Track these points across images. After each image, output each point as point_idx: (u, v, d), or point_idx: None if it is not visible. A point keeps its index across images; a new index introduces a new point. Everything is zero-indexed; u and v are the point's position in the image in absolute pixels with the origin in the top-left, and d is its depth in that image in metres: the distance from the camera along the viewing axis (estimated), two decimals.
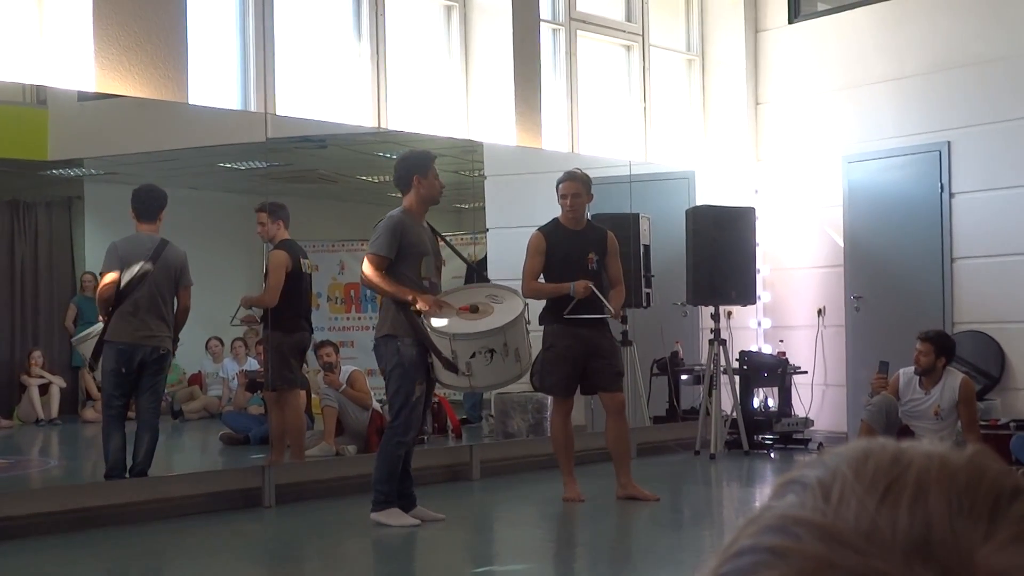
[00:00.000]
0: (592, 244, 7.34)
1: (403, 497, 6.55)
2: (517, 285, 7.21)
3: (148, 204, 7.30)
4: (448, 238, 7.50)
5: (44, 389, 9.30)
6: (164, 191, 7.45)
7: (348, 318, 10.68)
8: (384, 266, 6.43)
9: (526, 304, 6.72)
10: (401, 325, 6.40)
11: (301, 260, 8.10)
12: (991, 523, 0.54)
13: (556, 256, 7.25)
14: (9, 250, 9.15)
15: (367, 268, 6.48)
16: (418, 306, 6.36)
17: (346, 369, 8.86)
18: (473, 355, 6.36)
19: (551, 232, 7.34)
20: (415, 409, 6.42)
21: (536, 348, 7.15)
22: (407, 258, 6.48)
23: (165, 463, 8.68)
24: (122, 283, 7.01)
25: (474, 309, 6.54)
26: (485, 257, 9.61)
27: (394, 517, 6.45)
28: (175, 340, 7.31)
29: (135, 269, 7.04)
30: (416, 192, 6.59)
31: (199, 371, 10.44)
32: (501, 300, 6.69)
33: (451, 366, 6.35)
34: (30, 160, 8.58)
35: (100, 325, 7.21)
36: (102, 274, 7.17)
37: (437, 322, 6.39)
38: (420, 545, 6.31)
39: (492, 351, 6.38)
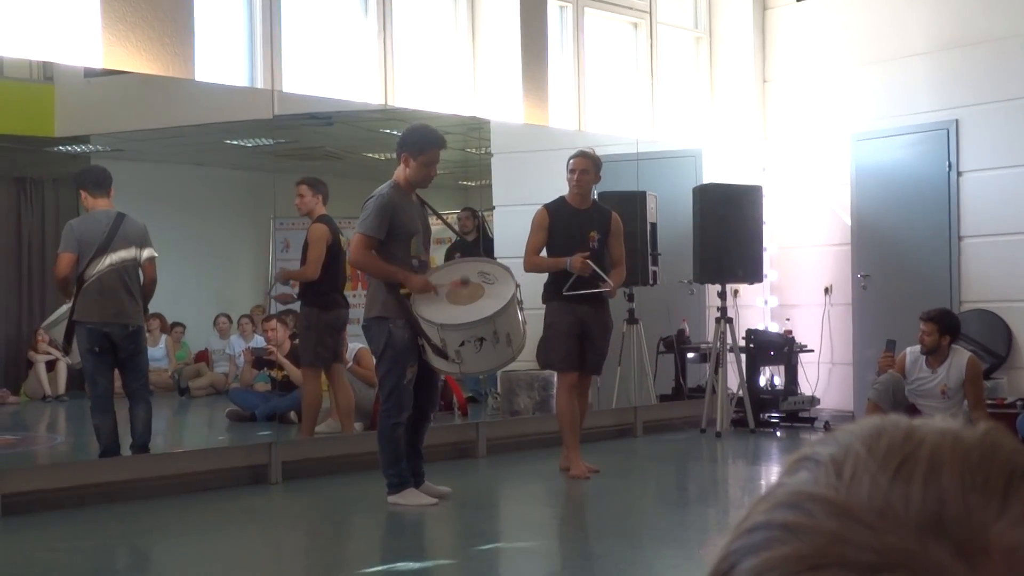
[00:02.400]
0: (595, 223, 7.35)
1: (411, 475, 6.53)
2: (520, 262, 7.21)
3: (99, 178, 7.14)
4: (441, 213, 7.40)
5: (51, 366, 9.32)
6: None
7: (355, 295, 10.66)
8: (374, 246, 6.32)
9: (518, 285, 6.54)
10: (392, 307, 6.31)
11: (339, 236, 8.09)
12: (1004, 499, 0.54)
13: (558, 233, 7.28)
14: (16, 227, 9.15)
15: (357, 249, 6.36)
16: (407, 289, 6.28)
17: (353, 347, 8.86)
18: (462, 344, 6.25)
19: (556, 209, 7.37)
20: (406, 390, 6.35)
21: (535, 325, 7.11)
22: (397, 238, 6.34)
23: (172, 439, 8.71)
24: (81, 265, 6.88)
25: (464, 282, 6.42)
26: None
27: (411, 497, 6.45)
28: (145, 312, 7.27)
29: (93, 254, 6.88)
30: (403, 170, 6.46)
31: (206, 348, 10.46)
32: (492, 280, 6.52)
33: (440, 352, 6.27)
34: (37, 136, 8.58)
35: (66, 308, 7.10)
36: (58, 255, 6.97)
37: (425, 310, 6.29)
38: (426, 522, 6.32)
39: (482, 339, 6.25)
